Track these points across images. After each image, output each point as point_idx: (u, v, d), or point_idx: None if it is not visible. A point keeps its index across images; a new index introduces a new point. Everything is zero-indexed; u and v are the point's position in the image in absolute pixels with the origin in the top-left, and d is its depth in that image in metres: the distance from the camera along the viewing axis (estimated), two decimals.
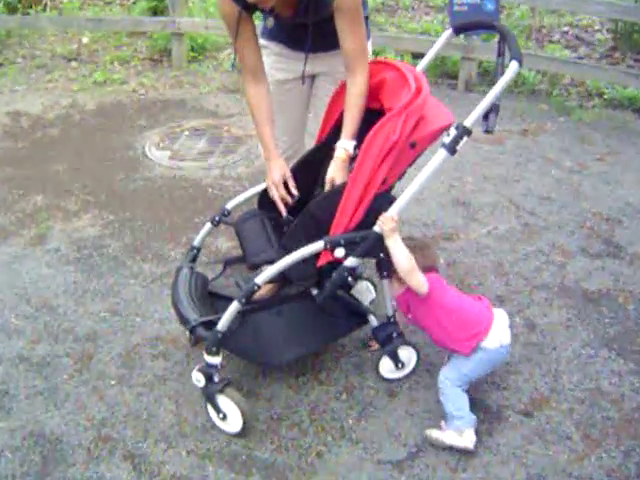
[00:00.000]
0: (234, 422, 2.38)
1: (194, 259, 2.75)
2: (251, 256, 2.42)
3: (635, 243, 3.57)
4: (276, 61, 2.71)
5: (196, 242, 2.76)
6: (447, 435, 2.36)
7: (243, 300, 2.27)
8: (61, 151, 4.56)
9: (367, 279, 2.99)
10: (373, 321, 2.62)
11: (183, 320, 2.43)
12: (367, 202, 2.23)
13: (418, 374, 2.68)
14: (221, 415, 2.39)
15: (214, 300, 2.65)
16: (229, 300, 2.38)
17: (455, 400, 2.38)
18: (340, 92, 2.53)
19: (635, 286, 3.25)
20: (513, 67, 2.17)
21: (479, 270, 3.33)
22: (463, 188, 4.10)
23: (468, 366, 2.40)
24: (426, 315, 2.43)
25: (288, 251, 2.30)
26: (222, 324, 2.30)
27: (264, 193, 2.64)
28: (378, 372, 2.64)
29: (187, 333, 2.78)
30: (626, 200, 3.97)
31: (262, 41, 2.66)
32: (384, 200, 2.27)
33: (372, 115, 2.48)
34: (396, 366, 2.61)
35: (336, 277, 2.32)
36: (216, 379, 2.36)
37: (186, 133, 4.77)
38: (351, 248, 2.28)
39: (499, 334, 2.38)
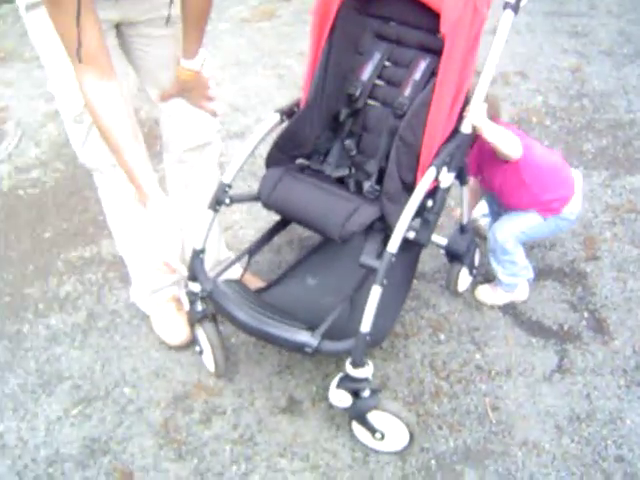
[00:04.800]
0: (395, 438, 1.84)
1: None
2: (337, 227, 1.76)
3: None
4: None
5: (200, 244, 1.93)
6: (500, 294, 2.31)
7: (385, 281, 1.68)
8: None
9: None
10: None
11: (292, 345, 1.74)
12: (461, 101, 1.79)
13: None
14: (378, 435, 1.82)
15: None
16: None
17: (519, 254, 2.22)
18: (322, 22, 1.90)
19: None
20: None
21: None
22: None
23: (536, 228, 2.18)
24: (506, 175, 2.10)
25: (394, 202, 1.77)
26: (366, 323, 1.69)
27: (277, 142, 1.97)
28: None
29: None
30: None
31: None
32: None
33: None
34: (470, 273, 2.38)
35: (438, 205, 1.86)
36: (366, 394, 1.77)
37: None
38: (450, 164, 1.83)
39: (579, 200, 2.20)
